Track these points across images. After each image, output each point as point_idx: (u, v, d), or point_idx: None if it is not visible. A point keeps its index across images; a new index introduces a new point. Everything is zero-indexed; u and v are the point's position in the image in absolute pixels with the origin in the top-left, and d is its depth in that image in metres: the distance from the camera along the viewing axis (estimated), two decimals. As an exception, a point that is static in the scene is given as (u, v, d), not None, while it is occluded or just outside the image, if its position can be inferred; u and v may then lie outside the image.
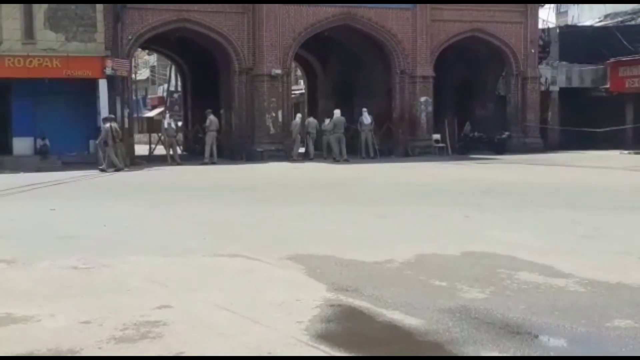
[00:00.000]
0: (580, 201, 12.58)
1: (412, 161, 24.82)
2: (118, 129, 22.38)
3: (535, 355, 4.43)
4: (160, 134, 28.81)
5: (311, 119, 28.00)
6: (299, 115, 27.58)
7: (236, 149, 26.50)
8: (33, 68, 23.54)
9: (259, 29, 26.24)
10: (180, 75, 38.71)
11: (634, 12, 35.02)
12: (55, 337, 4.86)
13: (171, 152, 25.78)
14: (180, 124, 27.74)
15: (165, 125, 26.43)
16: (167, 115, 28.12)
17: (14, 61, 23.47)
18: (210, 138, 25.32)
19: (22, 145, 25.03)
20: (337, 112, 26.53)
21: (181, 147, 27.32)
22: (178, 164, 24.42)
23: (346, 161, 24.99)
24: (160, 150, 28.28)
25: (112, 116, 22.64)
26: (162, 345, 4.67)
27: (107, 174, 20.83)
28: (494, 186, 15.48)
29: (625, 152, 27.43)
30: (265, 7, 26.02)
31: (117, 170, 21.56)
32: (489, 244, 8.12)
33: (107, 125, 21.98)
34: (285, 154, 26.00)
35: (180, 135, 28.81)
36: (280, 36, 26.35)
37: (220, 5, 26.03)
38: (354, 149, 26.98)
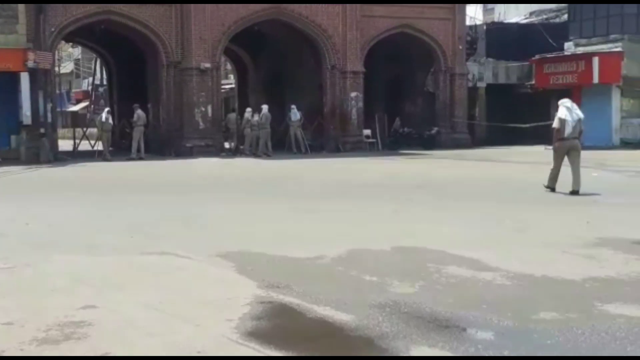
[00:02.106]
0: (506, 195, 12.88)
1: (343, 156, 24.96)
2: None
3: (466, 350, 4.49)
4: (85, 129, 28.11)
5: (231, 115, 27.91)
6: (248, 109, 27.19)
7: (165, 144, 26.12)
8: (-50, 61, 22.66)
9: (187, 22, 25.89)
10: (105, 68, 37.90)
11: (559, 10, 35.97)
12: (-26, 340, 4.67)
13: (104, 147, 25.07)
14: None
15: (103, 119, 25.68)
16: (106, 110, 27.32)
17: None
18: (137, 133, 24.88)
19: (-63, 141, 24.11)
20: (264, 108, 26.42)
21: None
22: (106, 160, 23.90)
23: (268, 156, 24.93)
24: (85, 145, 27.65)
25: None
26: (87, 346, 4.55)
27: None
28: (423, 181, 15.70)
29: (550, 147, 28.10)
30: (193, -1, 25.68)
31: None
32: (419, 238, 8.21)
33: None
34: (215, 150, 25.79)
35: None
36: (209, 29, 26.05)
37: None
38: (284, 144, 27.01)
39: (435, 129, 29.68)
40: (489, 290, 5.85)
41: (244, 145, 26.35)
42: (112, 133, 26.54)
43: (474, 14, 39.83)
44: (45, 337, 4.70)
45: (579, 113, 12.83)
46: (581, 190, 12.46)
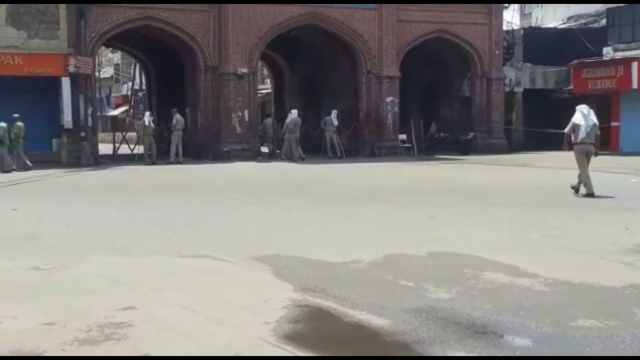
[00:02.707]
0: (542, 201, 12.75)
1: (379, 161, 24.89)
2: (19, 129, 21.85)
3: (503, 355, 4.46)
4: (124, 133, 28.39)
5: (268, 120, 28.32)
6: (289, 115, 27.26)
7: (202, 148, 26.32)
8: (-6, 66, 23.08)
9: (224, 27, 26.08)
10: (145, 73, 38.33)
11: (597, 15, 35.50)
12: (17, 338, 4.77)
13: (149, 151, 25.28)
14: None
15: (146, 123, 25.91)
16: (147, 114, 27.64)
17: (-25, 59, 22.98)
18: (176, 137, 25.08)
19: (-18, 144, 24.49)
20: (294, 112, 26.45)
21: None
22: (150, 164, 24.05)
23: (303, 160, 24.95)
24: (124, 149, 27.99)
25: (16, 115, 22.04)
26: (127, 346, 4.61)
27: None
28: (459, 186, 15.60)
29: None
30: (230, 5, 25.85)
31: (6, 171, 20.63)
32: (454, 243, 8.16)
33: (3, 124, 21.51)
34: (251, 154, 25.93)
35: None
36: (246, 35, 26.21)
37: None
38: (319, 149, 27.05)
39: (472, 134, 29.46)
40: (526, 296, 5.80)
41: (280, 150, 26.46)
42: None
43: (511, 19, 39.53)
44: (86, 338, 4.77)
45: (594, 119, 13.13)
46: (620, 196, 12.37)
